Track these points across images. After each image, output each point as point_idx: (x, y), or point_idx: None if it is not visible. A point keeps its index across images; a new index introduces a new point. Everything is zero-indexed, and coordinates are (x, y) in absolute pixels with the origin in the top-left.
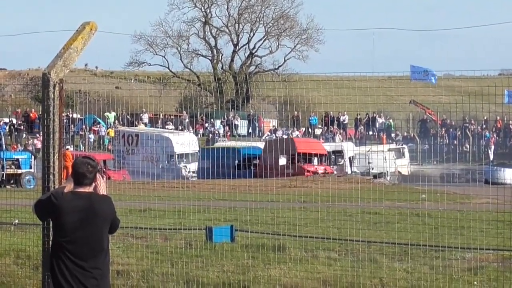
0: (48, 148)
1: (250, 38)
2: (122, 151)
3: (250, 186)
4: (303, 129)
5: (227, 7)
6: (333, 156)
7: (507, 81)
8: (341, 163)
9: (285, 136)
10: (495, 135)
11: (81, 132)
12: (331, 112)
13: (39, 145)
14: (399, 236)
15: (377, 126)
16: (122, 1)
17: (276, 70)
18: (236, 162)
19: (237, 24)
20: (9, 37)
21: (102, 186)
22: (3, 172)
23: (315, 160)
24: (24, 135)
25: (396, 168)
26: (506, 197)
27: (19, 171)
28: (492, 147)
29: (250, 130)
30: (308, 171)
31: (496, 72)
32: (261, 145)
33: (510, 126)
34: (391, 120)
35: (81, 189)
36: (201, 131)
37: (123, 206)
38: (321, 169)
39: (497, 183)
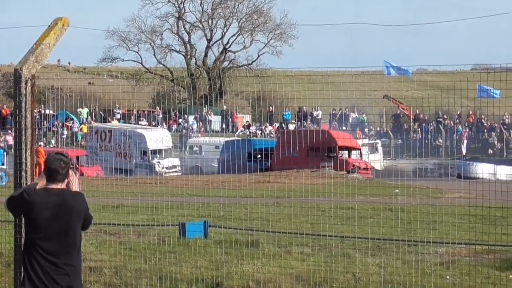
0: (20, 145)
1: (223, 33)
2: (95, 147)
3: (223, 182)
4: (277, 124)
5: (201, 2)
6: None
7: (479, 75)
8: None
9: (260, 131)
10: (467, 130)
11: (53, 128)
12: (305, 107)
13: (11, 141)
14: (372, 231)
15: (351, 121)
16: None
17: (249, 66)
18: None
19: (210, 19)
20: None
21: (74, 182)
22: None
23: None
24: None
25: (370, 163)
26: (478, 191)
27: None
28: (465, 141)
29: (224, 126)
30: (353, 165)
31: (468, 67)
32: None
33: (483, 120)
34: (364, 115)
35: (53, 186)
36: (174, 127)
37: (96, 202)
38: (362, 164)
39: (469, 177)
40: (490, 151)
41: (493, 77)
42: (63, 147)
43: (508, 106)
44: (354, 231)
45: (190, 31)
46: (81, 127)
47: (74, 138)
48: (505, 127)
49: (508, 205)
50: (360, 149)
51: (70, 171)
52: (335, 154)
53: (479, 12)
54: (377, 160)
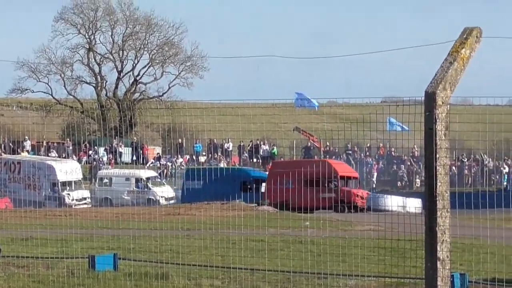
0: None
1: (134, 65)
2: (4, 178)
3: (133, 214)
4: (187, 156)
5: (112, 33)
6: None
7: (389, 108)
8: None
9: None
10: (377, 162)
11: None
12: (215, 139)
13: None
14: (282, 264)
15: (261, 153)
16: (4, 27)
17: (160, 97)
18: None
19: (121, 51)
20: None
21: None
22: None
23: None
24: None
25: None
26: (387, 223)
27: None
28: (375, 174)
29: (134, 158)
30: (357, 195)
31: (379, 100)
32: None
33: (393, 153)
34: (275, 147)
35: None
36: (84, 158)
37: (5, 235)
38: (365, 194)
39: (379, 210)
40: (400, 184)
41: (402, 110)
42: None
43: (417, 139)
44: (265, 263)
45: (101, 63)
46: None
47: None
48: (414, 159)
49: (417, 238)
50: (357, 178)
51: None
52: (336, 185)
53: (390, 45)
54: None
